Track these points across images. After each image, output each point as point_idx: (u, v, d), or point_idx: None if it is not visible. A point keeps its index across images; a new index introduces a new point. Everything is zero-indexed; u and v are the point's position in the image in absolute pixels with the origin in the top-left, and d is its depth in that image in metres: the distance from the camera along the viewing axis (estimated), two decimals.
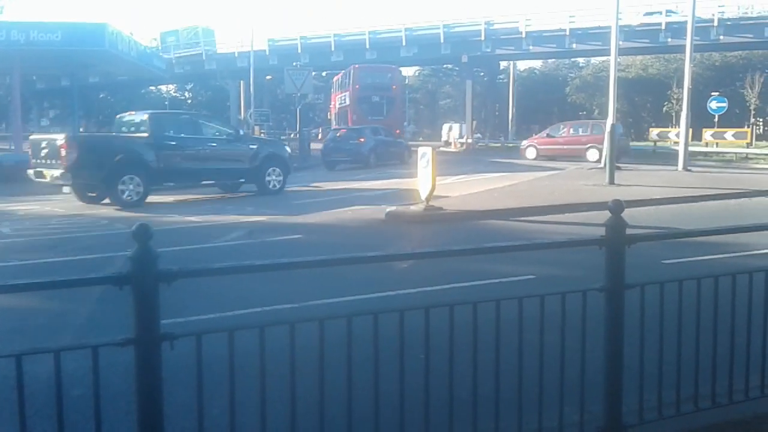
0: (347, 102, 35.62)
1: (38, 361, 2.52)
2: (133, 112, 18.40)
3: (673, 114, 43.06)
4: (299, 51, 51.46)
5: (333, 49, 51.40)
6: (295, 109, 34.29)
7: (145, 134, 15.68)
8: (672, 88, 44.77)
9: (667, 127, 38.88)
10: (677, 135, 27.75)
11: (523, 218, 12.55)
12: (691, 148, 25.61)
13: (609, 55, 22.31)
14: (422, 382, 3.09)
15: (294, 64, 38.36)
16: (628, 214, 3.48)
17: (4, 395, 2.49)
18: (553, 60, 68.46)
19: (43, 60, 28.28)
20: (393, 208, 13.06)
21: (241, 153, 17.13)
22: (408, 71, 78.67)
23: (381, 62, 45.00)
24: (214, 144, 16.90)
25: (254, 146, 17.71)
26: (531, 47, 47.07)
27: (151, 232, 2.53)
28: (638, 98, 54.60)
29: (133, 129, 16.46)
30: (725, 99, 32.47)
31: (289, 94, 35.04)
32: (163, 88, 78.07)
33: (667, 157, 29.92)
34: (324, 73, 69.98)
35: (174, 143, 15.90)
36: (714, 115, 32.16)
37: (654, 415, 3.57)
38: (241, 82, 52.54)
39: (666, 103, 48.84)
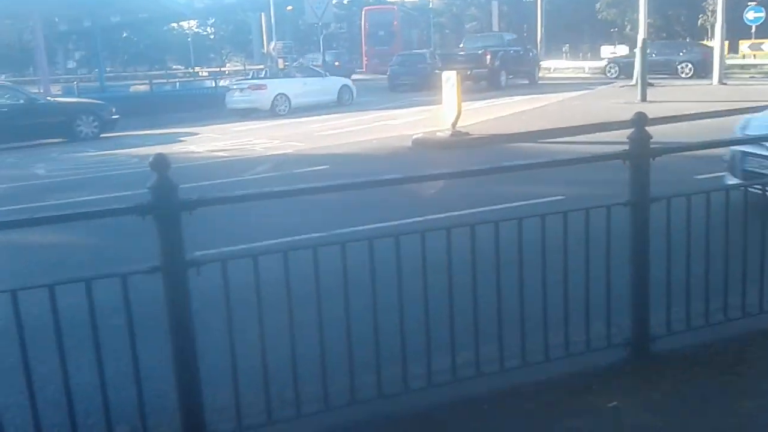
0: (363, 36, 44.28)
1: (81, 294, 2.60)
2: None
3: (709, 27, 41.36)
4: None
5: None
6: (318, 39, 33.80)
7: None
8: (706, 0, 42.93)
9: (703, 41, 37.47)
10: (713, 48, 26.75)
11: (551, 140, 12.36)
12: (727, 61, 24.74)
13: None
14: (447, 302, 3.12)
15: None
16: (660, 130, 3.40)
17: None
18: None
19: (64, 1, 28.11)
20: (419, 134, 12.95)
21: None
22: None
23: None
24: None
25: None
26: None
27: (168, 161, 2.56)
28: (672, 12, 52.42)
29: None
30: (762, 8, 31.01)
31: (311, 24, 34.55)
32: (185, 24, 77.26)
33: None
34: (345, 1, 68.40)
35: None
36: (751, 26, 30.84)
37: (683, 326, 3.57)
38: (262, 14, 51.69)
39: (701, 15, 46.87)
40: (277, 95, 21.56)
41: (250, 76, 25.22)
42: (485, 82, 26.02)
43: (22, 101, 17.10)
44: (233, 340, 2.82)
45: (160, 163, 2.55)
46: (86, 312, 2.59)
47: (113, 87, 31.09)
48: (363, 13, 44.97)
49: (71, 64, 59.98)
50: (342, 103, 23.34)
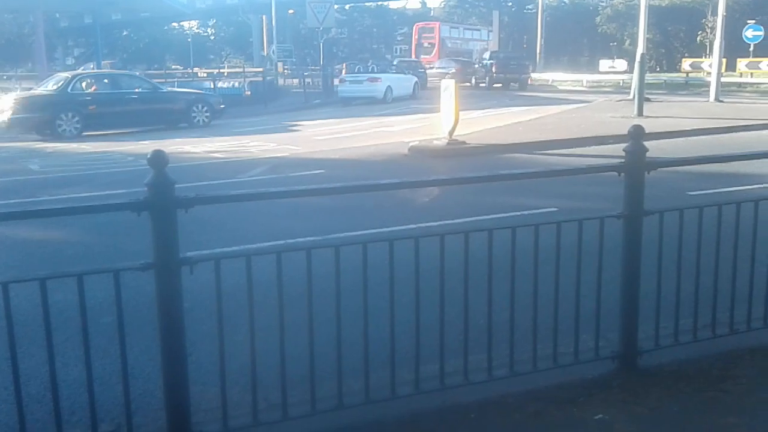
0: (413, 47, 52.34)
1: (72, 291, 2.59)
2: None
3: (708, 44, 41.58)
4: None
5: None
6: (318, 44, 33.85)
7: None
8: (706, 17, 43.14)
9: (701, 58, 37.66)
10: (710, 65, 26.87)
11: (547, 151, 12.39)
12: (724, 79, 24.87)
13: None
14: (437, 309, 3.13)
15: None
16: (656, 145, 3.44)
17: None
18: None
19: None
20: (416, 142, 12.98)
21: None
22: (433, 2, 76.85)
23: None
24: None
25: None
26: None
27: (166, 158, 2.56)
28: (671, 27, 52.71)
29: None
30: (761, 27, 31.18)
31: (312, 28, 34.60)
32: (186, 24, 77.24)
33: (699, 88, 29.11)
34: (347, 6, 68.52)
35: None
36: (749, 45, 31.02)
37: (671, 340, 3.59)
38: (263, 17, 51.74)
39: (700, 32, 47.10)
40: (387, 87, 26.87)
41: (357, 70, 29.58)
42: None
43: (150, 90, 19.68)
44: (223, 340, 2.82)
45: (158, 160, 2.55)
46: (77, 308, 2.59)
47: None
48: (414, 27, 53.40)
49: (70, 61, 59.85)
50: (414, 96, 28.39)
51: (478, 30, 53.87)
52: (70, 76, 19.43)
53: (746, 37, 30.56)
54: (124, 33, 68.12)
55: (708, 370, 3.54)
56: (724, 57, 22.92)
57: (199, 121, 19.62)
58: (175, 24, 74.25)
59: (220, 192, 2.89)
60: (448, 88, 12.43)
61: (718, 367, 3.55)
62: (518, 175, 3.79)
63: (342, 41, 67.64)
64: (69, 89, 18.20)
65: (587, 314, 3.42)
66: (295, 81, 35.37)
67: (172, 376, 2.73)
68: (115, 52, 66.06)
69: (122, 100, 18.67)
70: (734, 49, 29.53)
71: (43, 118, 17.55)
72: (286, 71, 39.34)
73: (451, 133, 12.48)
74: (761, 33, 30.60)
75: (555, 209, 7.25)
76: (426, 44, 50.97)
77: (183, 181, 2.86)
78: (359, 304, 2.99)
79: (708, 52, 35.92)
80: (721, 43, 21.78)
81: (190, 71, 45.03)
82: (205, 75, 40.64)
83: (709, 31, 41.34)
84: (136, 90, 19.42)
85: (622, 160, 3.34)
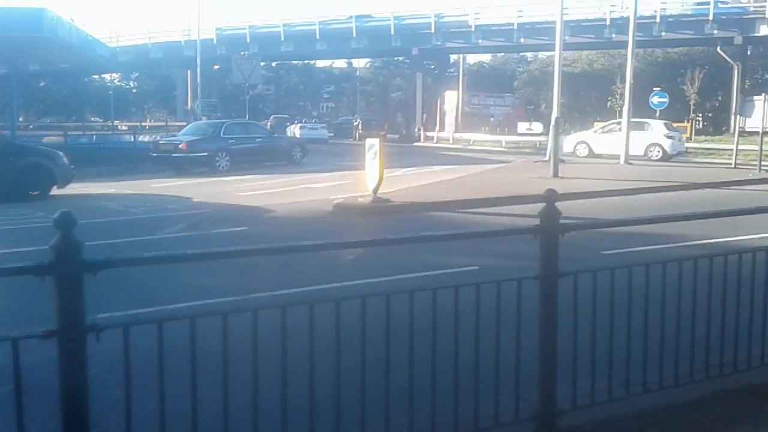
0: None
1: None
2: None
3: (617, 108, 44.03)
4: (248, 40, 50.65)
5: (283, 39, 50.80)
6: (244, 99, 33.92)
7: None
8: (616, 83, 45.72)
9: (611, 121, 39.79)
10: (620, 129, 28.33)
11: (468, 210, 12.68)
12: None
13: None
14: (358, 372, 3.08)
15: (242, 53, 37.83)
16: (569, 206, 3.55)
17: None
18: (502, 54, 69.12)
19: None
20: (340, 199, 13.02)
21: None
22: (359, 63, 78.56)
23: (331, 53, 49.89)
24: None
25: None
26: (480, 41, 47.45)
27: (74, 219, 2.45)
28: (584, 93, 55.64)
29: None
30: (666, 94, 33.25)
31: (238, 84, 34.71)
32: (107, 76, 75.95)
33: None
34: (274, 64, 69.16)
35: None
36: (656, 110, 32.99)
37: (587, 401, 3.64)
38: (188, 71, 51.53)
39: (610, 97, 49.84)
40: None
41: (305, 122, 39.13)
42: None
43: (266, 135, 26.42)
44: (130, 409, 2.67)
45: (65, 220, 2.43)
46: None
47: (25, 137, 29.89)
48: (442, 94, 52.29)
49: None
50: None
51: (501, 97, 54.36)
52: (219, 123, 25.32)
53: (652, 103, 32.49)
54: (42, 84, 66.28)
55: (623, 429, 3.59)
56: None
57: (295, 159, 25.49)
58: (96, 76, 72.90)
59: (129, 254, 2.78)
60: (372, 147, 12.60)
61: (632, 427, 3.62)
62: (440, 237, 3.84)
63: (268, 97, 67.94)
64: (221, 133, 23.05)
65: (507, 375, 3.44)
66: None
67: None
68: (31, 103, 64.08)
69: (251, 142, 23.88)
70: (642, 114, 31.28)
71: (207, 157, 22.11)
72: None
73: (375, 190, 12.60)
74: (666, 99, 32.63)
75: (476, 267, 7.35)
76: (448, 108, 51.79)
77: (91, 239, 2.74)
78: (277, 369, 2.90)
79: (618, 116, 37.91)
80: (629, 108, 23.08)
81: (110, 124, 44.13)
82: (126, 128, 39.90)
83: (618, 96, 43.74)
84: (256, 135, 24.94)
85: (537, 223, 3.44)
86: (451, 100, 48.62)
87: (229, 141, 22.88)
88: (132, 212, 12.69)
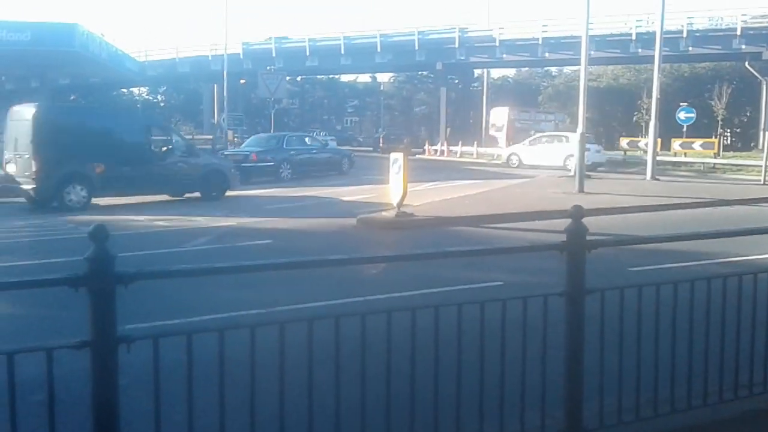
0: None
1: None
2: None
3: (643, 124, 43.64)
4: (274, 55, 51.24)
5: (308, 54, 51.29)
6: (270, 113, 34.27)
7: None
8: (642, 98, 45.35)
9: (637, 137, 39.40)
10: (646, 144, 28.14)
11: (492, 225, 12.63)
12: (659, 158, 26.03)
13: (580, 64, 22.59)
14: (384, 386, 3.09)
15: (268, 68, 38.30)
16: (595, 222, 3.53)
17: None
18: (527, 69, 69.10)
19: (12, 60, 27.89)
20: (364, 214, 13.06)
21: None
22: (383, 77, 79.01)
23: (355, 68, 49.88)
24: None
25: None
26: (504, 55, 47.47)
27: (107, 232, 2.50)
28: (609, 108, 55.33)
29: None
30: (693, 109, 32.93)
31: (263, 98, 35.13)
32: (136, 90, 77.23)
33: (636, 166, 30.33)
34: (299, 78, 69.78)
35: None
36: (683, 126, 32.66)
37: (614, 419, 3.61)
38: (215, 85, 52.23)
39: (636, 113, 49.45)
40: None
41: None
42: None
43: (321, 146, 28.83)
44: (159, 421, 2.71)
45: (99, 233, 2.49)
46: (4, 387, 2.46)
47: None
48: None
49: None
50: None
51: (552, 114, 53.13)
52: (281, 135, 26.90)
53: (679, 118, 32.18)
54: (72, 97, 67.58)
55: None
56: (659, 137, 24.06)
57: (344, 169, 27.04)
58: (125, 90, 74.19)
59: (162, 267, 2.82)
60: (397, 161, 12.64)
61: None
62: (465, 253, 3.84)
63: (293, 111, 68.51)
64: (284, 145, 24.77)
65: (533, 391, 3.42)
66: None
67: None
68: None
69: (308, 153, 25.62)
70: (668, 129, 31.02)
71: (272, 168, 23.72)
72: (235, 139, 39.51)
73: (399, 204, 12.63)
74: (693, 115, 32.29)
75: (500, 283, 7.33)
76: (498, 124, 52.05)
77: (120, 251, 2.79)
78: (304, 381, 2.92)
79: (644, 132, 37.65)
80: (656, 123, 22.90)
81: None
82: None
83: (644, 111, 43.44)
84: (312, 146, 26.65)
85: (564, 239, 3.43)
86: (500, 115, 47.00)
87: (291, 152, 24.58)
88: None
